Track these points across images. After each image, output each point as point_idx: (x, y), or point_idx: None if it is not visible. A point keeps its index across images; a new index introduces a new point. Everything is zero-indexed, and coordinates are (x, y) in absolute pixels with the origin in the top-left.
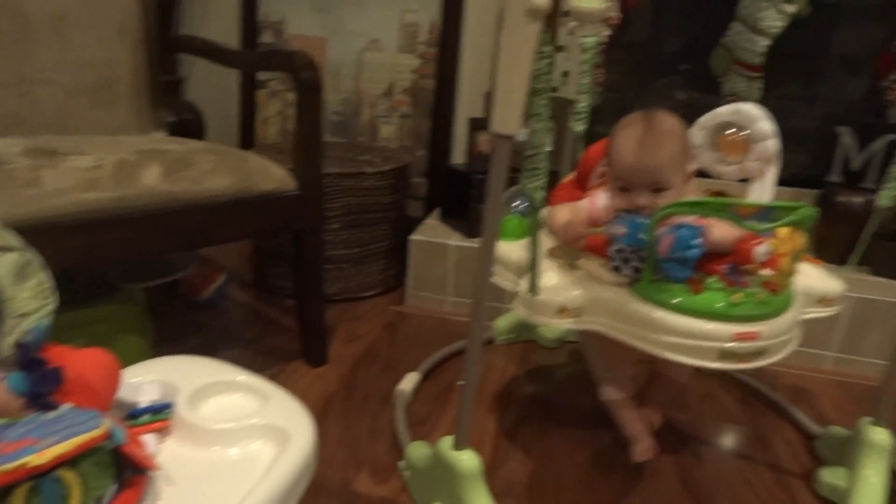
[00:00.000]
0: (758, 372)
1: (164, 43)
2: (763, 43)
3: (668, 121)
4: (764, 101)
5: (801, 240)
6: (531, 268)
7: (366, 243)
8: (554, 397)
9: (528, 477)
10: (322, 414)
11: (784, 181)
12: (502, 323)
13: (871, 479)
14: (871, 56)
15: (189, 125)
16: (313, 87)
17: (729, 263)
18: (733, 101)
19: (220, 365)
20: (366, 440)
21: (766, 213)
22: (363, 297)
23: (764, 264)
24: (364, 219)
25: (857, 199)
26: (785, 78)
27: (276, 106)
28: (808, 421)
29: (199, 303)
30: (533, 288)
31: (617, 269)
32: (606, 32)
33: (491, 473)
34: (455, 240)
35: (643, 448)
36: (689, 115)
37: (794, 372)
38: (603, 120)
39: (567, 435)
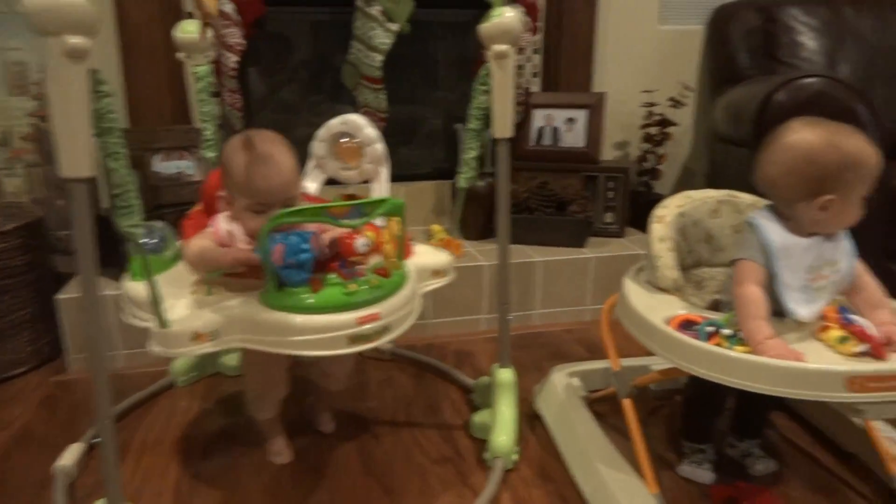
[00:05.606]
0: (429, 348)
1: None
2: (378, 58)
3: (274, 137)
4: (394, 108)
5: (397, 227)
6: (154, 302)
7: (1, 315)
8: (240, 424)
9: None
10: None
11: (425, 176)
12: (179, 364)
13: (505, 412)
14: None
15: None
16: None
17: (340, 260)
18: (367, 111)
19: None
20: None
21: (357, 211)
22: (11, 377)
23: (368, 253)
24: None
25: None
26: (411, 86)
27: None
28: (467, 378)
29: None
30: (161, 322)
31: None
32: (235, 59)
33: None
34: (113, 289)
35: (279, 449)
36: None
37: (458, 339)
38: None
39: (254, 457)
